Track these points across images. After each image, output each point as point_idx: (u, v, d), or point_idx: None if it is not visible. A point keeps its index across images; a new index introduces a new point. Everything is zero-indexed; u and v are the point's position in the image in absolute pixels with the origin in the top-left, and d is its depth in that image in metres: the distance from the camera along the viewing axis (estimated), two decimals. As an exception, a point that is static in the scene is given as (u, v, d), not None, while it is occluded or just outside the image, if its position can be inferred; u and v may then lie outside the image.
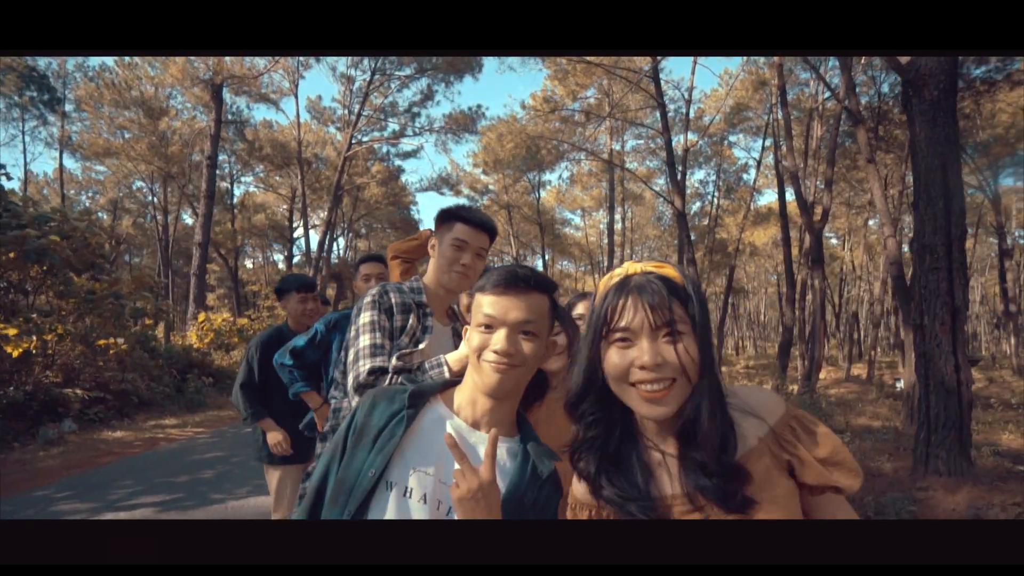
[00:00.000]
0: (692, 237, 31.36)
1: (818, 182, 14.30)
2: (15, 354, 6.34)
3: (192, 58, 14.00)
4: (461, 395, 1.05)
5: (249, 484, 5.02)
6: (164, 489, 4.90)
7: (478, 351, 1.00)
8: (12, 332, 6.25)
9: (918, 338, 4.73)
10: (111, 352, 8.90)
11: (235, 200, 27.51)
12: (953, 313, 4.46)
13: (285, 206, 29.21)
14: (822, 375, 17.83)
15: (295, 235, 29.59)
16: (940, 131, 4.39)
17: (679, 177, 16.64)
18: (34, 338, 6.79)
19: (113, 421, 8.22)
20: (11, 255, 6.57)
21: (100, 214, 27.95)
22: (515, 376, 1.00)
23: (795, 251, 18.54)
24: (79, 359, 8.37)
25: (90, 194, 29.55)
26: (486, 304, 1.01)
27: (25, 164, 23.13)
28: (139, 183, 26.67)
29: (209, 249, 18.06)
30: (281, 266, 39.45)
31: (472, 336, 1.02)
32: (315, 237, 23.80)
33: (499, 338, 0.98)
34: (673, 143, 22.02)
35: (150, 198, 27.79)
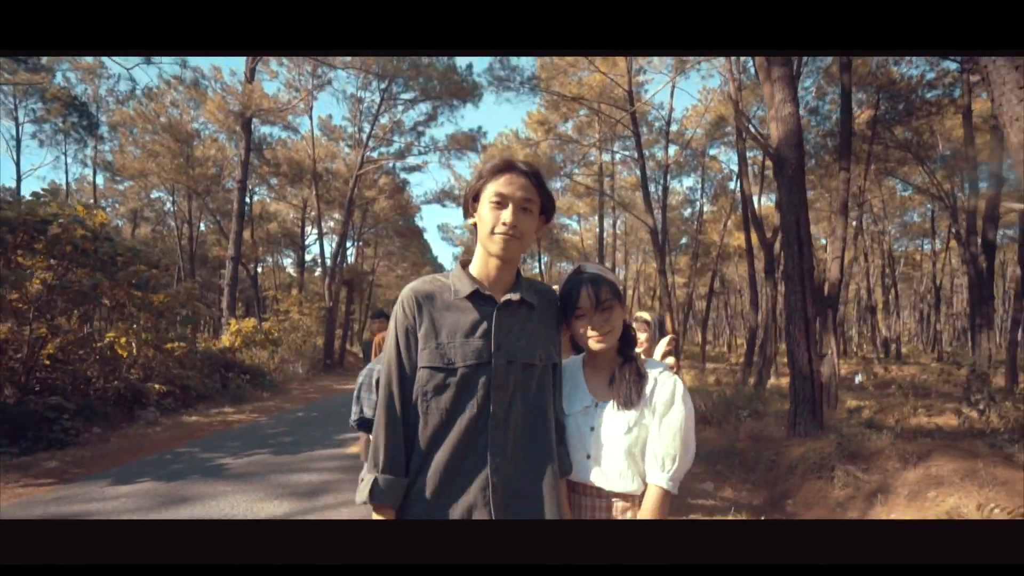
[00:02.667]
0: (684, 241, 33.12)
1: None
2: (123, 355, 8.32)
3: (226, 95, 15.99)
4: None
5: (319, 446, 7.12)
6: (268, 445, 7.14)
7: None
8: (122, 340, 8.23)
9: (787, 341, 6.62)
10: (176, 354, 10.83)
11: (251, 211, 29.49)
12: (806, 323, 6.35)
13: (296, 214, 31.41)
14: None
15: (307, 242, 31.97)
16: (795, 196, 6.29)
17: (660, 195, 18.51)
18: (132, 343, 8.74)
19: (182, 410, 10.16)
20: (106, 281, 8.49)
21: (118, 221, 30.13)
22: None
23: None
24: (153, 360, 10.31)
25: (111, 203, 31.63)
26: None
27: (67, 184, 25.09)
28: (157, 193, 28.77)
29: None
30: (290, 270, 41.85)
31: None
32: (326, 244, 26.01)
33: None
34: (659, 156, 23.89)
35: (168, 206, 30.02)
